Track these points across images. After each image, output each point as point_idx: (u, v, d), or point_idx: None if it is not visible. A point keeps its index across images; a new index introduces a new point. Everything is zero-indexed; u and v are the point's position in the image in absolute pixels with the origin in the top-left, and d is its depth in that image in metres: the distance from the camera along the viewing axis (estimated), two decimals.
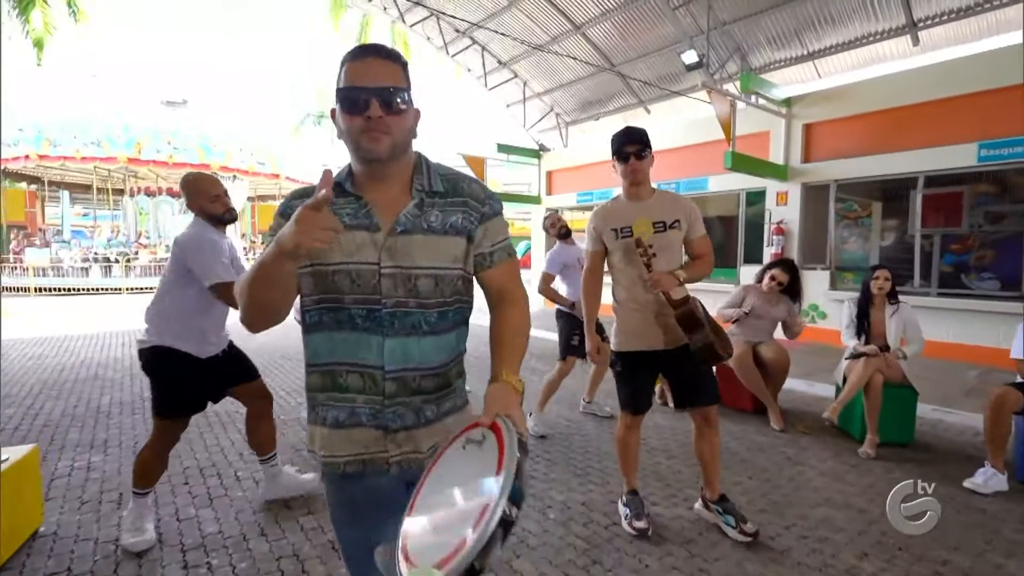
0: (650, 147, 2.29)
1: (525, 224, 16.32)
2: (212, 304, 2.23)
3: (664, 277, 2.16)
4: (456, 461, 0.86)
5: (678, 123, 9.18)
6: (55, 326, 8.44)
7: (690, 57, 7.43)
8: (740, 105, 6.93)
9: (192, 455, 3.22)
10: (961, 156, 5.93)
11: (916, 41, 6.93)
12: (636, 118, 10.66)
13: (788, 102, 7.37)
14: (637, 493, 2.46)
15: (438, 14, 9.36)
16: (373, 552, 0.85)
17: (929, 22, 6.71)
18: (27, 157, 14.03)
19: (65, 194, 20.86)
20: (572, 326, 3.57)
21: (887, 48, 7.25)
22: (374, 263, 1.02)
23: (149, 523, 2.26)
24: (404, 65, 1.03)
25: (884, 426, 3.48)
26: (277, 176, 19.14)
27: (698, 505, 2.55)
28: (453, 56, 10.18)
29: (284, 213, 1.04)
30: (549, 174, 11.73)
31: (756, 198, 8.04)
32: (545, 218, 4.07)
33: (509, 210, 13.17)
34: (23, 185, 20.75)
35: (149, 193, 18.85)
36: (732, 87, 7.56)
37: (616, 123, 10.97)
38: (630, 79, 9.58)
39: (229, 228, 2.37)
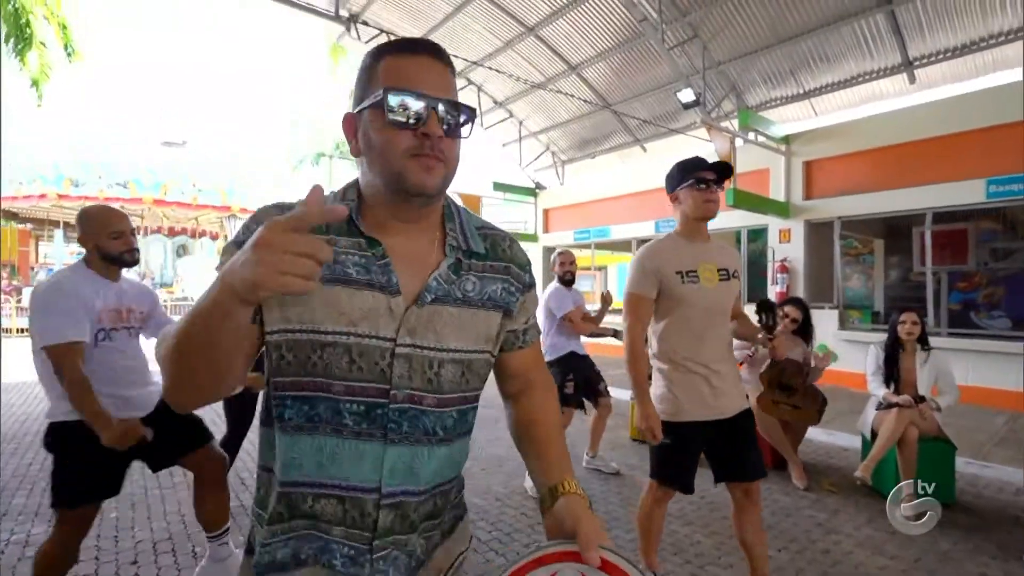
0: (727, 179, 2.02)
1: None
2: (106, 358, 1.81)
3: (782, 342, 1.92)
4: None
5: (675, 161, 9.13)
6: (27, 370, 8.05)
7: (687, 96, 7.42)
8: (739, 142, 6.86)
9: (148, 524, 2.84)
10: (969, 192, 5.80)
11: (912, 79, 6.95)
12: (632, 156, 10.68)
13: (787, 139, 7.32)
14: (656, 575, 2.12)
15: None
16: None
17: (925, 61, 6.74)
18: (43, 196, 13.79)
19: (59, 232, 20.72)
20: (565, 373, 3.28)
21: (883, 86, 7.27)
22: (388, 339, 0.73)
23: None
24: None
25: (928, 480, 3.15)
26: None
27: None
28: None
29: (239, 241, 0.72)
30: (546, 212, 11.65)
31: (757, 236, 7.89)
32: (559, 254, 3.63)
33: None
34: (12, 224, 20.59)
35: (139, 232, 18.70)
36: (729, 125, 7.53)
37: (612, 161, 10.98)
38: (626, 117, 9.61)
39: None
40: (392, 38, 0.89)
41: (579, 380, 3.34)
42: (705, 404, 1.92)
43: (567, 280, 3.55)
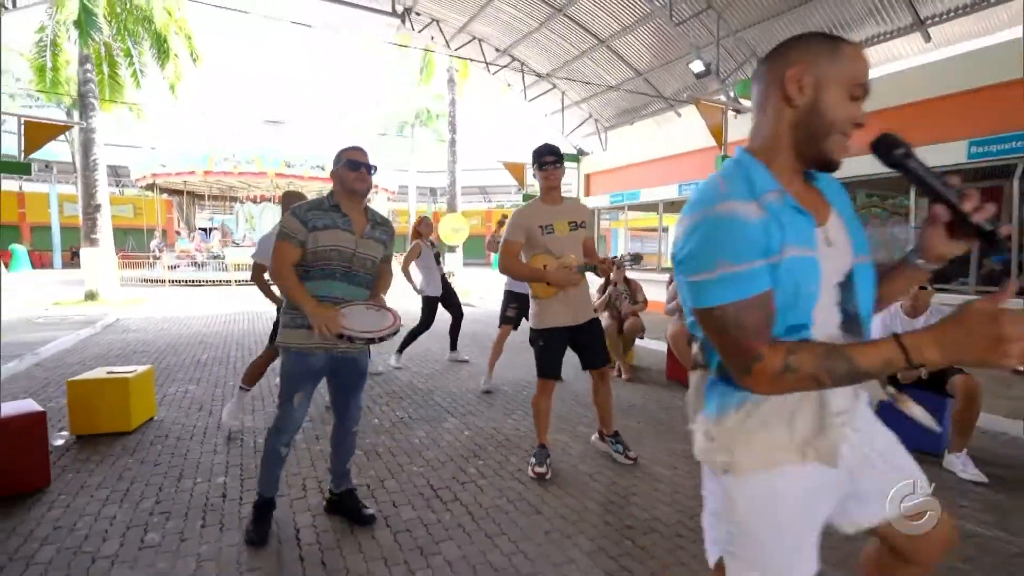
0: (563, 161, 3.04)
1: None
2: None
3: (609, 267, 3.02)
4: (363, 311, 2.14)
5: (704, 127, 9.61)
6: (179, 308, 10.73)
7: (697, 66, 7.96)
8: (731, 114, 7.38)
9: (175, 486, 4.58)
10: (952, 153, 6.04)
11: (927, 38, 6.98)
12: (668, 122, 11.16)
13: None
14: (545, 447, 3.02)
15: (480, 39, 10.56)
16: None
17: (938, 19, 6.76)
18: (192, 173, 17.04)
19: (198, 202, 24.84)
20: (509, 301, 4.54)
21: (900, 47, 7.32)
22: (351, 248, 2.20)
23: (239, 416, 3.58)
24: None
25: None
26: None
27: (594, 437, 3.40)
28: (494, 74, 11.31)
29: (303, 220, 2.13)
30: (587, 176, 12.51)
31: None
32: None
33: None
34: (159, 195, 24.82)
35: (255, 200, 21.94)
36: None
37: (650, 127, 11.53)
38: (655, 86, 10.15)
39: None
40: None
41: (522, 308, 4.57)
42: (562, 315, 2.99)
43: None
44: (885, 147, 0.97)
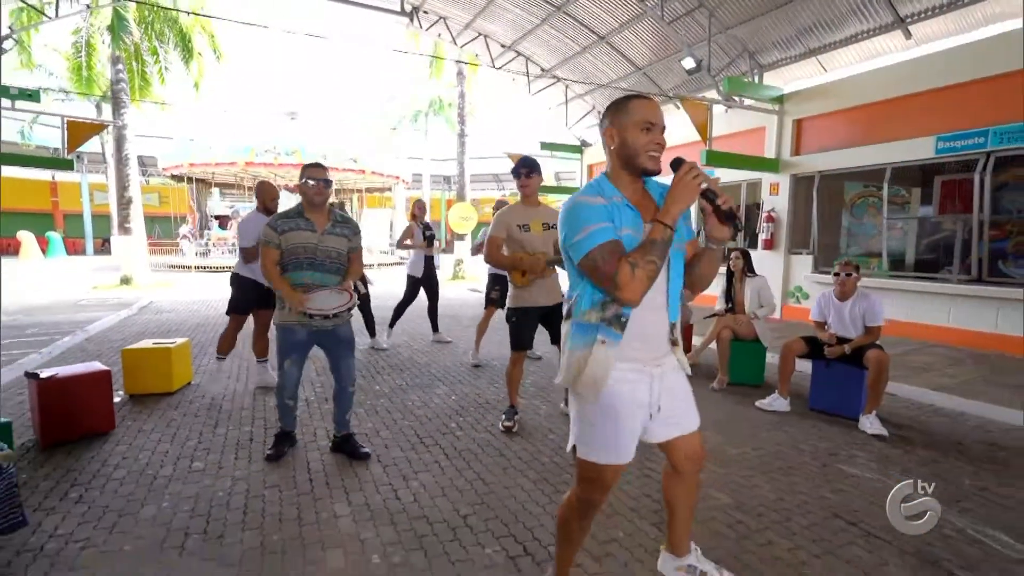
0: (538, 172, 3.59)
1: None
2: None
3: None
4: (328, 294, 2.75)
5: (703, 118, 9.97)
6: (205, 292, 11.53)
7: (688, 63, 8.34)
8: (720, 109, 7.77)
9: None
10: (922, 148, 6.39)
11: (908, 35, 7.25)
12: (668, 113, 11.50)
13: (781, 99, 8.02)
14: (514, 407, 3.59)
15: (485, 35, 10.99)
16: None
17: (917, 17, 7.03)
18: (233, 164, 17.82)
19: (216, 191, 25.79)
20: (493, 284, 5.09)
21: (883, 43, 7.59)
22: (314, 244, 2.83)
23: (268, 377, 4.27)
24: None
25: (740, 370, 4.61)
26: (364, 171, 21.90)
27: (563, 404, 3.99)
28: (500, 68, 11.75)
29: (274, 228, 2.79)
30: (590, 167, 12.94)
31: (754, 189, 8.74)
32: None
33: (557, 198, 14.68)
34: (182, 184, 25.82)
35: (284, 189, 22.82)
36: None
37: None
38: (654, 81, 10.51)
39: None
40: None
41: (504, 289, 5.10)
42: (534, 297, 3.57)
43: None
44: (675, 165, 1.51)
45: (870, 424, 3.53)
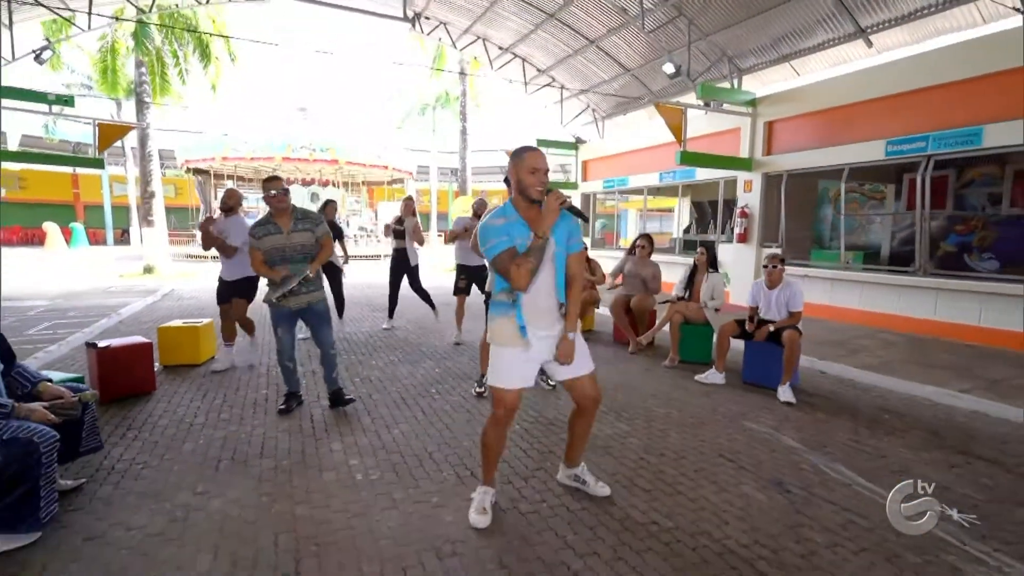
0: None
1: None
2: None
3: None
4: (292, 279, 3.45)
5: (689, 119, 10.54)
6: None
7: (668, 69, 8.90)
8: (695, 112, 8.35)
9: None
10: (874, 151, 6.94)
11: (869, 44, 7.77)
12: (655, 114, 12.01)
13: (754, 102, 8.57)
14: (484, 376, 4.63)
15: (483, 39, 11.60)
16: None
17: (876, 28, 7.54)
18: (271, 159, 18.75)
19: (230, 183, 26.75)
20: (460, 274, 5.71)
21: (847, 51, 8.12)
22: (283, 243, 3.56)
23: (231, 359, 4.99)
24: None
25: (690, 350, 5.27)
26: (387, 167, 22.80)
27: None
28: (497, 70, 12.35)
29: (253, 235, 3.54)
30: (584, 163, 13.54)
31: (732, 186, 9.32)
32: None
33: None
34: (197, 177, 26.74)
35: (288, 183, 23.62)
36: (726, 84, 8.97)
37: (641, 118, 12.44)
38: (643, 82, 11.07)
39: None
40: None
41: (469, 279, 5.75)
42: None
43: (477, 214, 5.75)
44: (547, 191, 2.19)
45: (783, 393, 4.19)
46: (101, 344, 3.96)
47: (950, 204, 8.14)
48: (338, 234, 6.53)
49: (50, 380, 2.54)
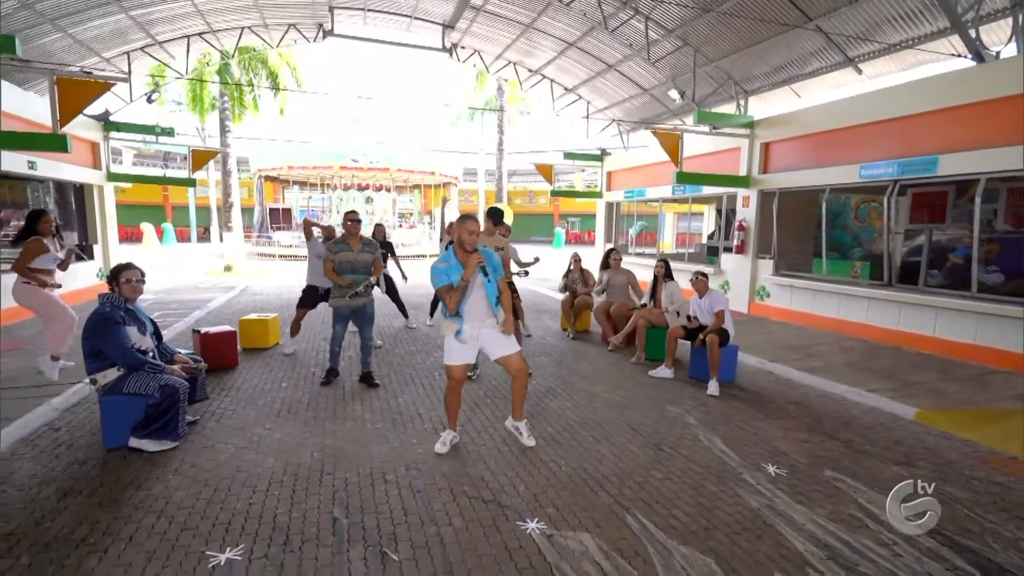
0: (497, 220, 5.60)
1: None
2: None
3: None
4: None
5: (696, 138, 11.33)
6: (289, 278, 14.32)
7: (674, 94, 9.78)
8: (689, 137, 9.20)
9: None
10: (851, 174, 7.60)
11: (859, 71, 8.37)
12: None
13: (752, 124, 9.31)
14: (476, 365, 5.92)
15: (514, 63, 12.85)
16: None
17: (865, 57, 8.14)
18: (329, 168, 21.23)
19: (295, 187, 29.43)
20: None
21: (842, 77, 8.72)
22: (353, 258, 4.99)
23: (292, 347, 6.52)
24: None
25: (654, 349, 6.30)
26: (434, 173, 24.62)
27: None
28: (528, 90, 13.53)
29: (331, 250, 4.96)
30: (609, 174, 14.48)
31: (734, 200, 10.08)
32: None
33: (580, 202, 16.21)
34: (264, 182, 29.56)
35: (345, 188, 25.87)
36: (736, 107, 9.78)
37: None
38: (660, 101, 11.92)
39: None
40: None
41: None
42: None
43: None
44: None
45: (711, 387, 5.19)
46: (202, 331, 5.56)
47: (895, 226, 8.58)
48: (390, 251, 8.01)
49: (180, 352, 4.06)
